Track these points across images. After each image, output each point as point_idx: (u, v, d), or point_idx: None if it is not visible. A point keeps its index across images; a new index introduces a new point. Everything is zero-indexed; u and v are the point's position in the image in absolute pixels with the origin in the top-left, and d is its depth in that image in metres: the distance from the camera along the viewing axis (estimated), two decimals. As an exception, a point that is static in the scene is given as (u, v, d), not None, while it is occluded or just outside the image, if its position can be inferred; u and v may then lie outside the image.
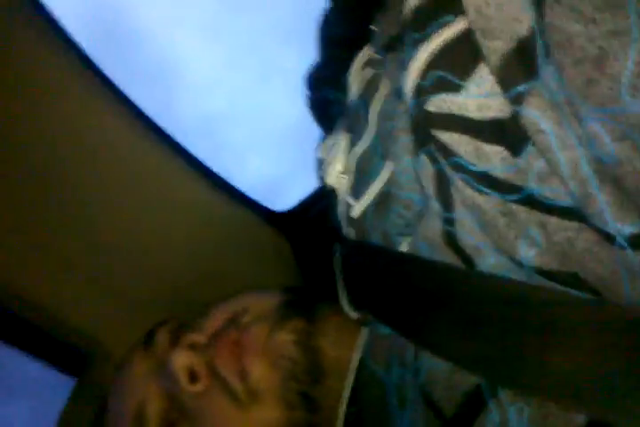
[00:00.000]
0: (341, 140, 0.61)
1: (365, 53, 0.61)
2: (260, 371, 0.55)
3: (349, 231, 0.58)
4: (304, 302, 0.63)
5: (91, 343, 0.71)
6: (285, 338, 0.57)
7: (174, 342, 0.62)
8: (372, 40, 0.58)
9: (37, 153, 0.68)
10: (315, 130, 0.74)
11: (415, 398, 0.45)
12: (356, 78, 0.61)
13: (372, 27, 0.56)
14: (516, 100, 0.36)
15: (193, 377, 0.57)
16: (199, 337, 0.60)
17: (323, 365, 0.57)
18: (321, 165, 0.67)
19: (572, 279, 0.37)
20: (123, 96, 0.73)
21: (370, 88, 0.57)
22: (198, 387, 0.57)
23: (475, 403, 0.40)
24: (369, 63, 0.60)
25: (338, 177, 0.60)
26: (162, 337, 0.63)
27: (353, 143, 0.59)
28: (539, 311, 0.36)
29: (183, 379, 0.57)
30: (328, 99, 0.68)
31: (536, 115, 0.36)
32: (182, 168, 0.80)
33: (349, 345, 0.58)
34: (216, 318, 0.62)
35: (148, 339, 0.63)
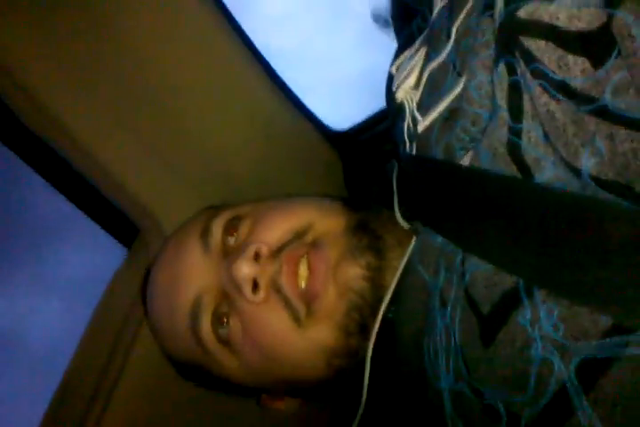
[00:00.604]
0: (418, 54, 0.61)
1: None
2: (326, 298, 0.57)
3: (411, 147, 0.58)
4: (371, 229, 0.62)
5: (145, 216, 0.75)
6: (356, 272, 0.58)
7: (228, 232, 0.63)
8: None
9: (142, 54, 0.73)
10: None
11: (458, 298, 0.47)
12: None
13: None
14: (611, 3, 0.37)
15: (254, 287, 0.58)
16: (263, 248, 0.60)
17: (386, 285, 0.58)
18: (391, 80, 0.66)
19: (627, 191, 0.38)
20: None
21: (455, 2, 0.56)
22: (259, 297, 0.58)
23: (510, 301, 0.43)
24: None
25: (408, 92, 0.60)
26: (217, 229, 0.64)
27: (429, 58, 0.58)
28: (591, 224, 0.38)
29: (247, 289, 0.58)
30: (411, 9, 0.68)
31: (630, 18, 0.36)
32: (261, 78, 0.83)
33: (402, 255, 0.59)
34: (278, 229, 0.62)
35: (204, 231, 0.65)
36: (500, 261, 0.44)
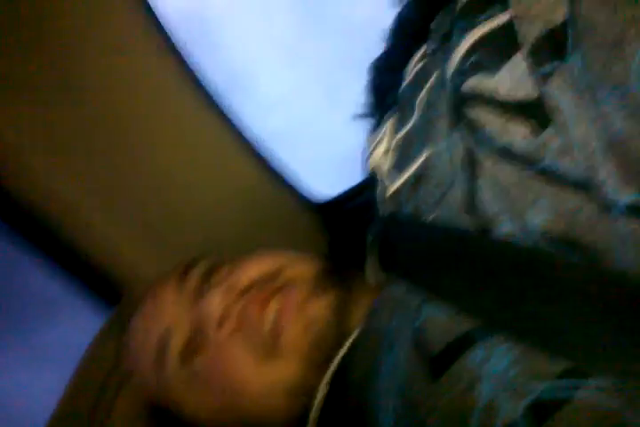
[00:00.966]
0: (387, 125, 0.65)
1: (423, 49, 0.64)
2: (292, 333, 0.58)
3: (385, 208, 0.62)
4: (338, 273, 0.65)
5: (129, 280, 0.77)
6: (322, 307, 0.60)
7: (207, 279, 0.65)
8: (430, 38, 0.62)
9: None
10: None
11: (405, 340, 0.48)
12: (411, 70, 0.65)
13: (431, 25, 0.61)
14: (543, 79, 0.41)
15: (222, 321, 0.60)
16: (235, 284, 0.62)
17: (350, 332, 0.59)
18: (367, 151, 0.70)
19: (572, 247, 0.41)
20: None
21: (419, 78, 0.61)
22: (225, 332, 0.60)
23: (463, 343, 0.44)
24: (423, 58, 0.63)
25: (380, 158, 0.63)
26: (195, 274, 0.66)
27: (397, 128, 0.62)
28: (543, 273, 0.41)
29: (213, 321, 0.60)
30: (386, 86, 0.72)
31: (557, 94, 0.41)
32: (240, 148, 0.88)
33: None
34: (252, 270, 0.64)
35: (183, 273, 0.67)
36: (463, 307, 0.46)
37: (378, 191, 0.64)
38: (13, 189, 0.71)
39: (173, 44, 0.80)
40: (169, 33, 0.79)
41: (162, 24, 0.78)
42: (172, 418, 0.67)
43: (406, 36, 0.67)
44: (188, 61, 0.82)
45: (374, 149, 0.66)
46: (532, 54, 0.43)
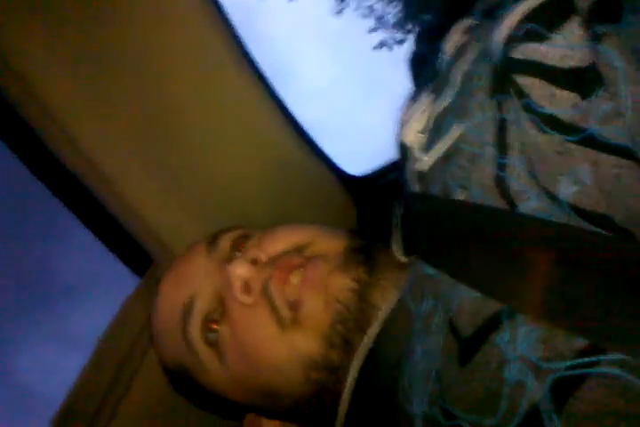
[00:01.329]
0: (424, 99, 0.64)
1: (466, 21, 0.64)
2: (312, 306, 0.59)
3: (415, 187, 0.61)
4: (367, 251, 0.64)
5: (159, 246, 0.77)
6: (346, 283, 0.60)
7: (236, 248, 0.66)
8: (474, 11, 0.61)
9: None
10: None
11: (440, 324, 0.48)
12: (451, 42, 0.64)
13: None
14: (597, 38, 0.41)
15: (246, 289, 0.61)
16: (261, 254, 0.63)
17: (371, 316, 0.59)
18: (399, 126, 0.68)
19: (604, 220, 0.40)
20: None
21: (460, 51, 0.60)
22: (249, 299, 0.60)
23: (491, 324, 0.44)
24: (466, 31, 0.62)
25: (415, 135, 0.62)
26: (225, 241, 0.67)
27: (435, 104, 0.61)
28: (569, 250, 0.41)
29: (237, 288, 0.61)
30: (427, 57, 0.71)
31: (611, 53, 0.40)
32: (278, 119, 0.87)
33: (396, 291, 0.60)
34: (281, 241, 0.65)
35: (212, 240, 0.68)
36: (487, 288, 0.46)
37: (408, 169, 0.63)
38: (57, 152, 0.71)
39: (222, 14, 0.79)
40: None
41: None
42: (190, 386, 0.68)
43: (448, 9, 0.67)
44: (233, 32, 0.81)
45: (408, 124, 0.65)
46: (588, 18, 0.42)
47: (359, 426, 0.59)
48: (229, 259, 0.65)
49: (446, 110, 0.58)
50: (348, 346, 0.58)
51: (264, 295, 0.60)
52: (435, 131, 0.59)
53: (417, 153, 0.61)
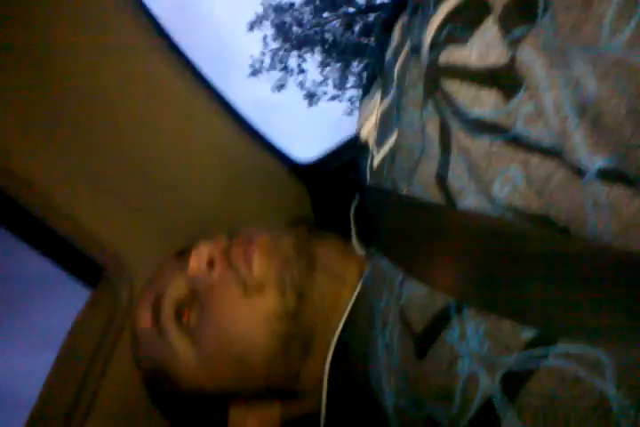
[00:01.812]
0: (376, 95, 0.65)
1: (404, 17, 0.64)
2: (262, 262, 0.63)
3: (369, 180, 0.63)
4: (313, 227, 0.71)
5: (107, 255, 0.74)
6: (288, 240, 0.65)
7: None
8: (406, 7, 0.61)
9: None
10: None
11: (394, 319, 0.50)
12: (393, 40, 0.65)
13: None
14: (514, 43, 0.40)
15: (211, 264, 0.64)
16: (223, 239, 0.67)
17: (315, 265, 0.64)
18: (358, 122, 0.71)
19: (540, 219, 0.41)
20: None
21: (396, 51, 0.61)
22: (214, 273, 0.64)
23: (441, 321, 0.45)
24: (403, 29, 0.63)
25: (370, 131, 0.64)
26: (194, 245, 0.69)
27: (382, 98, 0.62)
28: (512, 244, 0.42)
29: (202, 263, 0.64)
30: (378, 51, 0.71)
31: (529, 57, 0.40)
32: (221, 115, 0.86)
33: (348, 275, 0.64)
34: (245, 232, 0.69)
35: (182, 250, 0.70)
36: (435, 282, 0.47)
37: (365, 163, 0.65)
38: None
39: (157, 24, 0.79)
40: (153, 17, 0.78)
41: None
42: (167, 389, 0.68)
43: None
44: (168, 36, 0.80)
45: (365, 120, 0.67)
46: (502, 19, 0.42)
47: (339, 414, 0.60)
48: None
49: (391, 107, 0.59)
50: (297, 293, 0.62)
51: (228, 266, 0.64)
52: (383, 127, 0.61)
53: (372, 148, 0.63)
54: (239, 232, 0.69)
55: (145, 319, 0.67)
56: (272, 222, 0.88)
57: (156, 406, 0.71)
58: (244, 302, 0.62)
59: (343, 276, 0.64)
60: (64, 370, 0.71)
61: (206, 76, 0.85)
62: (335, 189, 0.91)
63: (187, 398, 0.67)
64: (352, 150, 0.77)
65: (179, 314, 0.65)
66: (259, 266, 0.63)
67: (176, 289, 0.66)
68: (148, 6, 0.78)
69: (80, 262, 0.77)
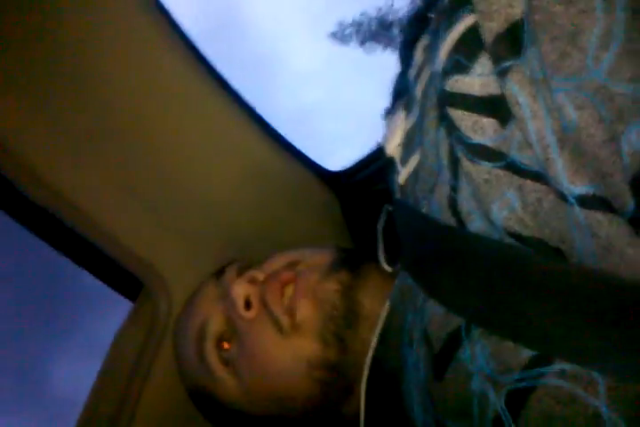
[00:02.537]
0: (400, 113, 0.65)
1: (425, 38, 0.64)
2: (306, 310, 0.64)
3: (397, 197, 0.64)
4: (352, 260, 0.71)
5: (147, 270, 0.76)
6: (331, 286, 0.66)
7: (240, 275, 0.71)
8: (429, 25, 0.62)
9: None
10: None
11: (419, 337, 0.52)
12: (415, 61, 0.65)
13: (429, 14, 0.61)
14: (502, 74, 0.42)
15: (248, 305, 0.67)
16: (258, 274, 0.70)
17: (359, 313, 0.65)
18: (384, 139, 0.71)
19: (536, 242, 0.43)
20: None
21: (419, 72, 0.61)
22: (250, 314, 0.67)
23: (454, 341, 0.47)
24: (425, 49, 0.63)
25: (395, 148, 0.65)
26: (231, 271, 0.73)
27: (407, 119, 0.63)
28: (513, 268, 0.43)
29: (239, 304, 0.67)
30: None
31: (515, 88, 0.41)
32: (253, 128, 0.86)
33: (384, 297, 0.65)
34: (275, 262, 0.72)
35: (219, 272, 0.74)
36: (448, 303, 0.49)
37: (393, 178, 0.66)
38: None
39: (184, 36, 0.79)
40: (179, 26, 0.78)
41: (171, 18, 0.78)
42: (212, 405, 0.72)
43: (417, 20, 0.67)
44: (196, 48, 0.81)
45: (390, 138, 0.67)
46: (492, 52, 0.43)
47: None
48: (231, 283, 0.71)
49: (414, 126, 0.60)
50: (341, 343, 0.64)
51: (264, 307, 0.66)
52: (407, 145, 0.62)
53: (397, 165, 0.64)
54: (272, 261, 0.71)
55: (188, 349, 0.71)
56: (302, 233, 0.89)
57: (200, 413, 0.75)
58: (281, 343, 0.65)
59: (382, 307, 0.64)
60: (108, 379, 0.74)
61: (235, 87, 0.86)
62: (366, 199, 0.91)
63: (229, 412, 0.71)
64: (380, 161, 0.78)
65: (219, 346, 0.68)
66: (302, 313, 0.64)
67: (217, 323, 0.69)
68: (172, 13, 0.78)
69: (121, 277, 0.80)
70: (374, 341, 0.62)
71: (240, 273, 0.72)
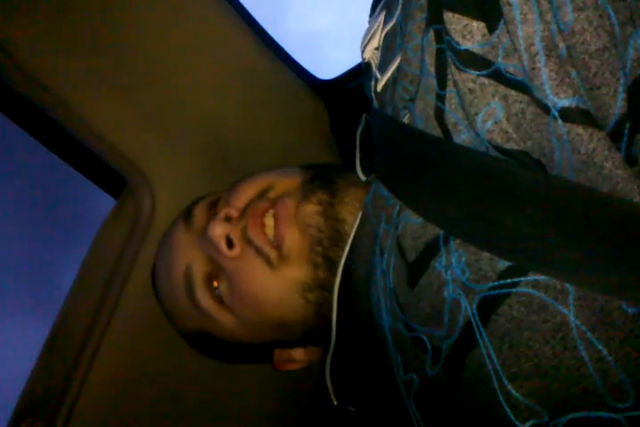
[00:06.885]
0: (379, 16, 0.62)
1: None
2: (292, 240, 0.62)
3: (374, 104, 0.61)
4: (324, 176, 0.67)
5: (131, 168, 0.74)
6: (312, 209, 0.63)
7: (210, 216, 0.67)
8: None
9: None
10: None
11: (391, 247, 0.51)
12: None
13: None
14: None
15: (229, 244, 0.63)
16: (232, 211, 0.65)
17: (343, 230, 0.62)
18: (362, 42, 0.67)
19: (521, 156, 0.42)
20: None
21: None
22: (234, 252, 0.63)
23: (431, 250, 0.47)
24: None
25: (372, 53, 0.62)
26: (199, 212, 0.69)
27: (386, 20, 0.59)
28: (495, 181, 0.43)
29: (222, 245, 0.63)
30: None
31: None
32: (246, 31, 0.83)
33: (359, 206, 0.63)
34: (244, 194, 0.67)
35: (187, 215, 0.69)
36: (426, 213, 0.48)
37: (369, 84, 0.63)
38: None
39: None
40: None
41: None
42: (214, 344, 0.71)
43: None
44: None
45: (368, 42, 0.63)
46: None
47: (347, 336, 0.62)
48: (207, 224, 0.66)
49: (394, 29, 0.57)
50: (330, 262, 0.61)
51: (247, 244, 0.62)
52: (386, 50, 0.59)
53: (375, 71, 0.60)
54: (240, 193, 0.67)
55: (177, 294, 0.67)
56: (287, 140, 0.86)
57: (199, 351, 0.74)
58: (271, 275, 0.62)
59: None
60: (88, 278, 0.73)
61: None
62: (353, 108, 0.88)
63: (231, 346, 0.70)
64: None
65: (209, 286, 0.65)
66: (288, 243, 0.62)
67: (200, 266, 0.66)
68: None
69: (106, 175, 0.78)
70: (346, 249, 0.61)
71: (211, 211, 0.68)
